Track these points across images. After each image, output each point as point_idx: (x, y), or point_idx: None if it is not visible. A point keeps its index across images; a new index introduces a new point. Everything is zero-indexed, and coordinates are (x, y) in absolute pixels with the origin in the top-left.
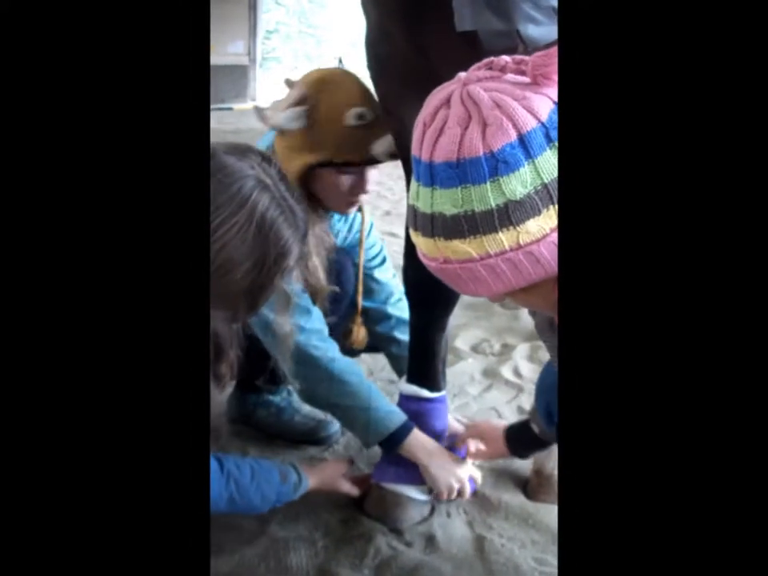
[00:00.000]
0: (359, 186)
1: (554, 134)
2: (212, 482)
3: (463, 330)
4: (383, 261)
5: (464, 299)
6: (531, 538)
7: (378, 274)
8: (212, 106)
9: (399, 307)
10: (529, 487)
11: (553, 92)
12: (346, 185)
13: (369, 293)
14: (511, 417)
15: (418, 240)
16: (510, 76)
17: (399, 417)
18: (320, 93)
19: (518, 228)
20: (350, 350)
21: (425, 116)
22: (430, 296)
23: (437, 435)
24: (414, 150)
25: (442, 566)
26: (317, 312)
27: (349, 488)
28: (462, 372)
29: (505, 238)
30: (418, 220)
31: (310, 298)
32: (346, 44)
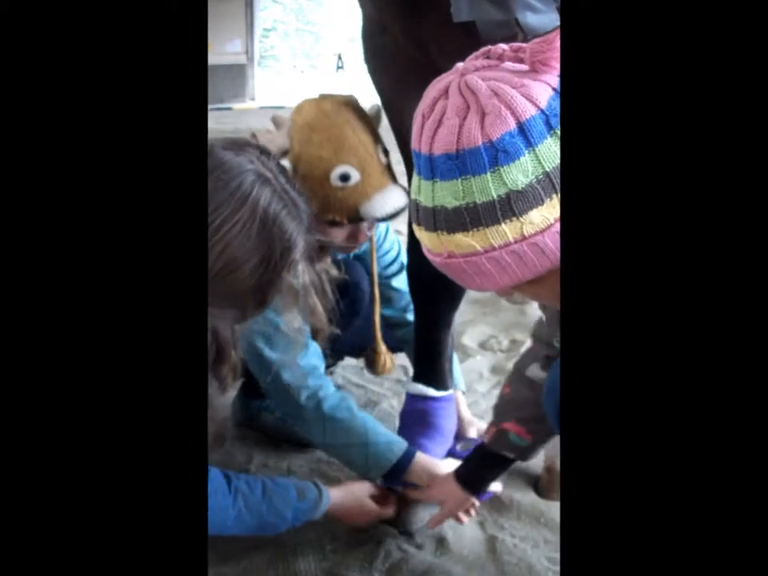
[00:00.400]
0: (354, 238)
1: (555, 121)
2: (218, 500)
3: (470, 326)
4: (401, 268)
5: (470, 295)
6: (544, 536)
7: (396, 282)
8: (210, 106)
9: None
10: (540, 485)
11: (552, 79)
12: (339, 237)
13: (387, 301)
14: None
15: (422, 235)
16: (508, 64)
17: (399, 446)
18: (304, 145)
19: (521, 219)
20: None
21: (423, 108)
22: (435, 292)
23: (445, 434)
24: (414, 144)
25: (453, 568)
26: (314, 347)
27: (378, 509)
28: (471, 369)
29: (508, 230)
30: (420, 214)
31: (309, 332)
32: (345, 40)
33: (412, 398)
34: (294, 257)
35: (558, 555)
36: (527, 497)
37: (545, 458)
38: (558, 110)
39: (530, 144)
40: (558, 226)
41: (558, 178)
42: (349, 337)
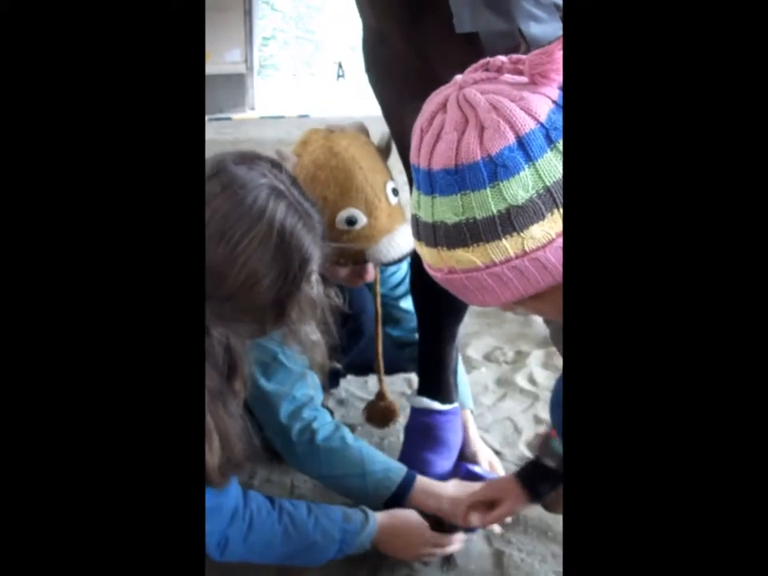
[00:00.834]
0: (359, 277)
1: (555, 134)
2: (262, 516)
3: (474, 338)
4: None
5: (474, 306)
6: (552, 551)
7: (404, 303)
8: (210, 116)
9: None
10: (547, 499)
11: (552, 91)
12: (343, 275)
13: (396, 322)
14: (527, 426)
15: (422, 250)
16: (507, 76)
17: (398, 473)
18: (309, 183)
19: (521, 234)
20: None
21: (422, 122)
22: (439, 305)
23: (451, 448)
24: (412, 158)
25: None
26: (312, 377)
27: (436, 541)
28: (476, 382)
29: (509, 245)
30: (420, 229)
31: (307, 362)
32: (346, 48)
33: (417, 412)
34: (311, 268)
35: None
36: (534, 511)
37: None
38: (558, 124)
39: (529, 158)
40: (560, 241)
41: (559, 193)
42: (353, 357)
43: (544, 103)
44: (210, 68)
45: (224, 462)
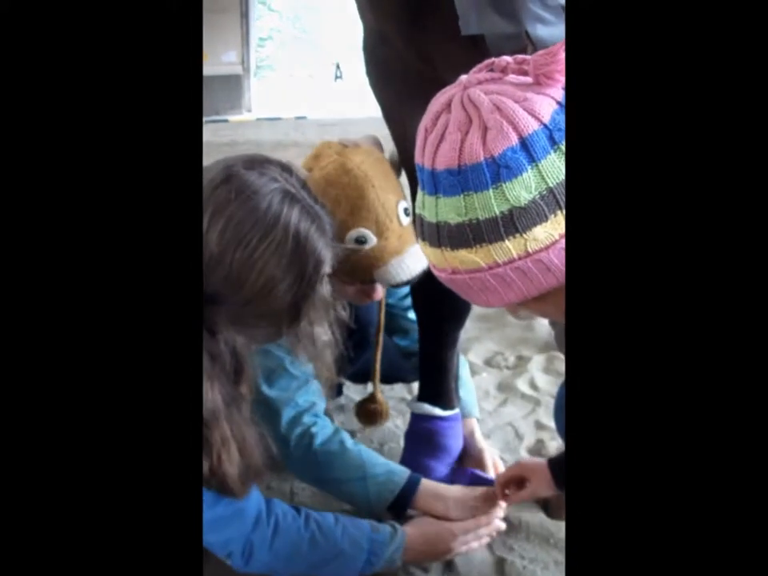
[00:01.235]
0: (366, 295)
1: (558, 136)
2: (288, 522)
3: (475, 343)
4: None
5: (474, 311)
6: (554, 558)
7: (412, 314)
8: (207, 118)
9: None
10: (549, 505)
11: (556, 92)
12: (351, 293)
13: (403, 332)
14: (528, 432)
15: (426, 250)
16: (511, 77)
17: (400, 476)
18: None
19: (524, 235)
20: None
21: (426, 122)
22: (440, 310)
23: (452, 454)
24: (417, 158)
25: None
26: (315, 385)
27: (465, 535)
28: (477, 387)
29: (512, 246)
30: (424, 230)
31: (313, 370)
32: (344, 47)
33: (418, 418)
34: (325, 269)
35: None
36: (536, 517)
37: None
38: (561, 125)
39: (532, 159)
40: (563, 243)
41: (562, 194)
42: (357, 366)
43: (548, 104)
44: (207, 69)
45: (243, 471)
